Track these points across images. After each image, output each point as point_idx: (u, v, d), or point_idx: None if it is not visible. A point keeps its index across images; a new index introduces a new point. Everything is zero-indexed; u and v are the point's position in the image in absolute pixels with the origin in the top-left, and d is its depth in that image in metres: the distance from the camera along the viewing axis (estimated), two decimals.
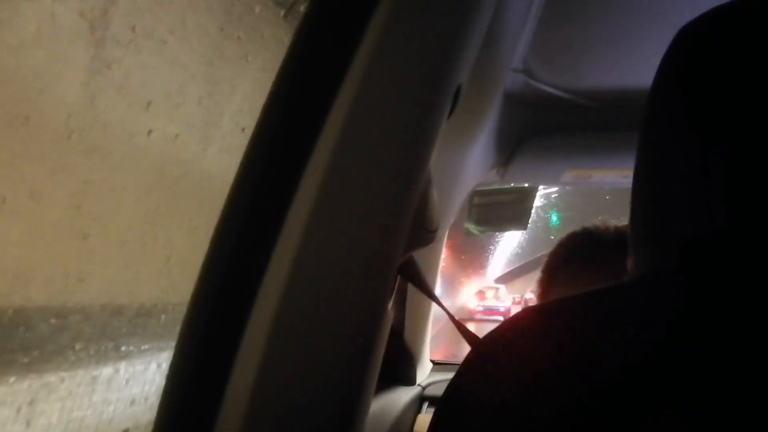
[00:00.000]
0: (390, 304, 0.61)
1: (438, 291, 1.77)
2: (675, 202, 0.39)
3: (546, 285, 1.08)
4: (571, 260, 1.06)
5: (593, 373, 0.32)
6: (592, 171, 1.49)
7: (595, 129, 1.40)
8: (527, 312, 0.45)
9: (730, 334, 0.31)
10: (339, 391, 0.49)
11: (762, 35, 0.37)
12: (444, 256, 1.72)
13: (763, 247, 0.34)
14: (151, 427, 0.46)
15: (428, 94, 0.51)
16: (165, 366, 0.48)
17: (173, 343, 0.46)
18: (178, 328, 0.48)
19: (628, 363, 0.32)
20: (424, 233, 0.65)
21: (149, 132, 0.50)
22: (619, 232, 1.03)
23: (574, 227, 1.13)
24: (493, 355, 0.39)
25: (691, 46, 0.41)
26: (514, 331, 0.40)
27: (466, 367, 0.39)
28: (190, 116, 0.54)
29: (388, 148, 0.49)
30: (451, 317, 0.80)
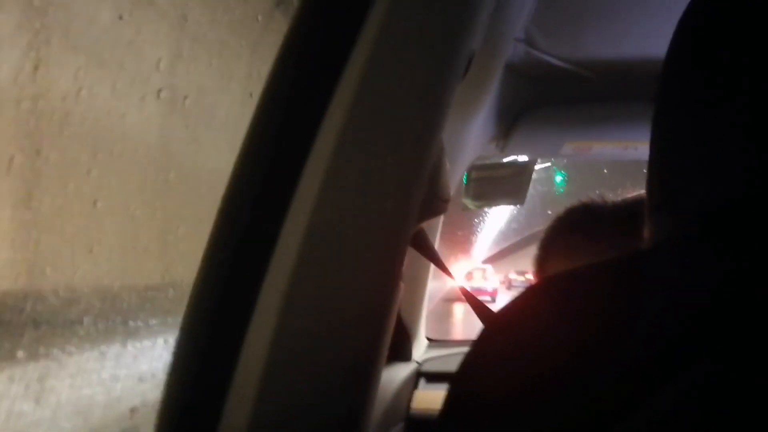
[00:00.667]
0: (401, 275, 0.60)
1: (431, 270, 1.77)
2: (692, 169, 0.38)
3: (543, 260, 1.08)
4: (569, 234, 1.05)
5: (614, 352, 0.31)
6: (592, 143, 1.49)
7: (595, 100, 1.39)
8: (543, 285, 0.44)
9: (754, 307, 0.30)
10: (355, 361, 0.48)
11: None
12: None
13: None
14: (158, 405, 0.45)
15: (446, 57, 0.50)
16: (173, 342, 0.47)
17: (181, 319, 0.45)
18: (186, 303, 0.47)
19: (652, 340, 0.31)
20: (437, 202, 0.64)
21: (159, 91, 0.47)
22: (617, 205, 1.02)
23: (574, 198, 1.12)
24: (508, 332, 0.38)
25: (708, 7, 0.40)
26: (530, 307, 0.39)
27: (479, 344, 0.38)
28: (201, 78, 0.52)
29: (402, 113, 0.48)
30: (464, 291, 0.79)
